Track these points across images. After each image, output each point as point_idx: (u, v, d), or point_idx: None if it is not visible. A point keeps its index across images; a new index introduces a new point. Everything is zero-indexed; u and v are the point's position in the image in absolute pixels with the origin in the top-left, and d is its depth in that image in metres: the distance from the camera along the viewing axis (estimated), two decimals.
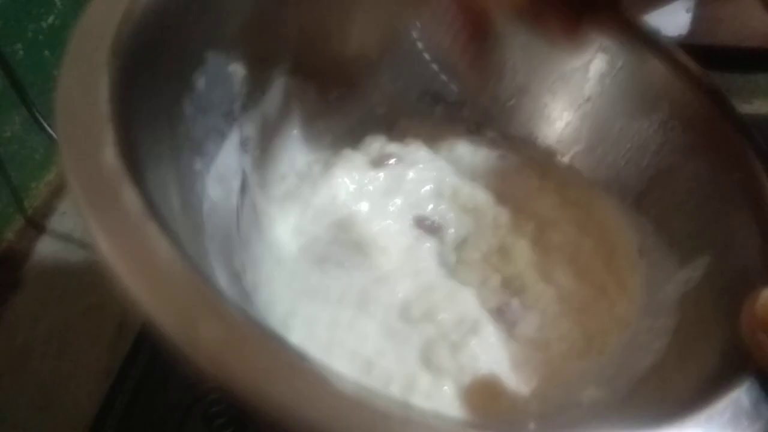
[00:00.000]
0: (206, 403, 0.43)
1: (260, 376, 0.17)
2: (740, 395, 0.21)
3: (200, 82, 0.29)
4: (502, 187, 0.34)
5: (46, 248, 0.61)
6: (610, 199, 0.33)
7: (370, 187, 0.33)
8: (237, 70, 0.31)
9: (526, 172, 0.35)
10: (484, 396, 0.28)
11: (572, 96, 0.34)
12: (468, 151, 0.35)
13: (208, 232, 0.27)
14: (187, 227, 0.25)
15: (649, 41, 0.33)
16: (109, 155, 0.18)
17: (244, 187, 0.31)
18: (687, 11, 0.73)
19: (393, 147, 0.35)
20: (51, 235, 0.62)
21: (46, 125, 0.58)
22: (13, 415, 0.49)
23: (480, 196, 0.34)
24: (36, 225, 0.63)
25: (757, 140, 0.29)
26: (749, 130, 0.29)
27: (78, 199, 0.18)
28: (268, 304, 0.29)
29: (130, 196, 0.18)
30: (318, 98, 0.34)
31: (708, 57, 0.81)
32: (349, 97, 0.35)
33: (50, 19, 0.67)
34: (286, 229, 0.32)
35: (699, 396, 0.22)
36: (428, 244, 0.33)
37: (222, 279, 0.26)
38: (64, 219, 0.64)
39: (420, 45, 0.35)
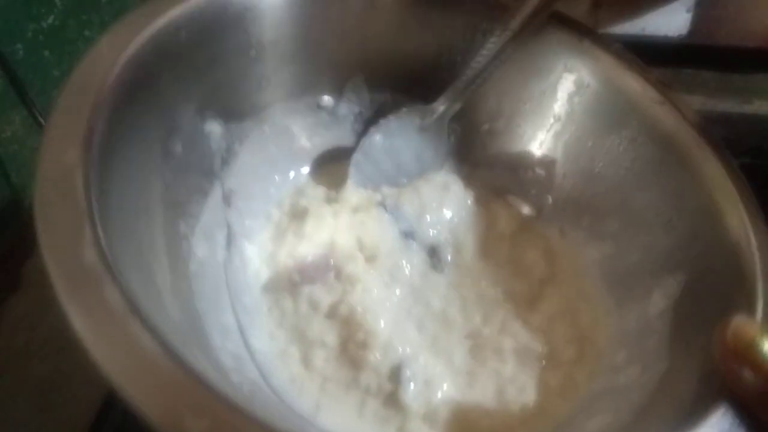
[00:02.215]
0: None
1: None
2: (717, 422, 0.22)
3: (177, 148, 0.30)
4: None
5: None
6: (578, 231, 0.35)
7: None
8: (213, 129, 0.32)
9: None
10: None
11: (544, 116, 0.35)
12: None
13: (197, 293, 0.28)
14: (176, 298, 0.26)
15: (612, 57, 0.33)
16: (89, 255, 0.19)
17: (229, 240, 0.32)
18: (687, 11, 0.73)
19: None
20: None
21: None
22: (13, 415, 0.49)
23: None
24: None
25: (723, 150, 0.30)
26: (716, 140, 0.30)
27: (62, 299, 0.19)
28: (263, 347, 0.30)
29: (112, 294, 0.19)
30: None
31: (708, 57, 0.82)
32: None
33: (50, 19, 0.67)
34: (271, 269, 0.33)
35: (681, 420, 0.22)
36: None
37: (215, 337, 0.27)
38: None
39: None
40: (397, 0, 0.34)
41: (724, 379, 0.22)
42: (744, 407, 0.21)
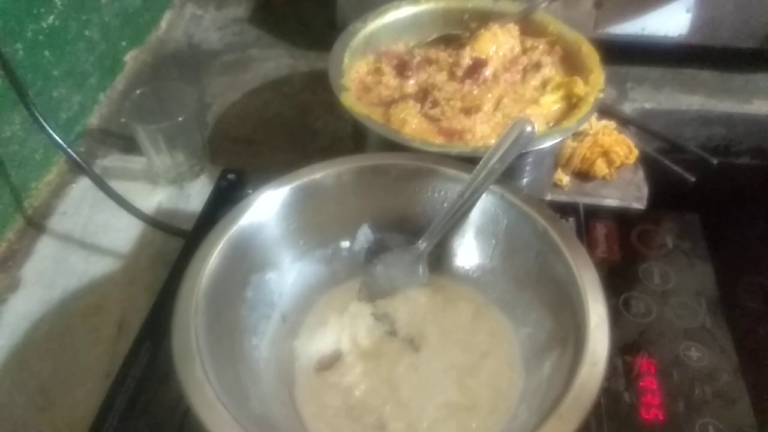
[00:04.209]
0: None
1: None
2: None
3: (249, 294, 0.45)
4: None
5: (46, 248, 0.61)
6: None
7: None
8: (272, 276, 0.47)
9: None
10: None
11: (488, 242, 0.49)
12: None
13: (264, 378, 0.44)
14: (250, 383, 0.42)
15: (520, 201, 0.47)
16: (198, 371, 0.37)
17: (286, 344, 0.47)
18: (687, 11, 0.73)
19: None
20: (51, 235, 0.62)
21: (46, 125, 0.58)
22: (13, 415, 0.49)
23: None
24: (36, 225, 0.63)
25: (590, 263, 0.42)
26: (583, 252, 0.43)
27: (185, 393, 0.36)
28: (301, 407, 0.44)
29: (208, 391, 0.36)
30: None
31: (708, 57, 0.81)
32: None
33: (50, 19, 0.67)
34: (306, 359, 0.47)
35: None
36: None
37: (274, 404, 0.42)
38: (64, 219, 0.64)
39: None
40: (382, 182, 0.49)
41: None
42: None
